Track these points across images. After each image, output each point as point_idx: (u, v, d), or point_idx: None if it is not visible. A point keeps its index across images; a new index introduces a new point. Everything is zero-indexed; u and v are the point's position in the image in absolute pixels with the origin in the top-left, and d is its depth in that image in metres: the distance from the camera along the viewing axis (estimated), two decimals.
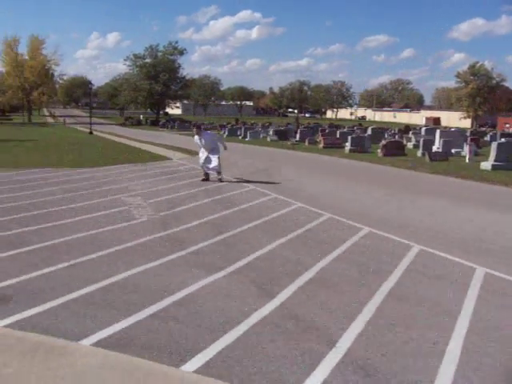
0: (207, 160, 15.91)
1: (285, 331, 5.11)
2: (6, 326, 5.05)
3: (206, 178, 16.10)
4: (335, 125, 64.65)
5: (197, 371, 4.27)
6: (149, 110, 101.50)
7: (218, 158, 15.89)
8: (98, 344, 4.71)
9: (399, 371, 4.39)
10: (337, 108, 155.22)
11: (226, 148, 16.76)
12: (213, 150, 15.95)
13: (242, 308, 5.67)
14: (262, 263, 7.41)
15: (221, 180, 15.88)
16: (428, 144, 27.94)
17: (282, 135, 42.61)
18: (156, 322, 5.25)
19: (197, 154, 26.11)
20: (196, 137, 16.33)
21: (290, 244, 8.56)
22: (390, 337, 5.05)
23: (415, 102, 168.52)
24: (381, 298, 6.12)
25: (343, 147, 31.55)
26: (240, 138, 44.22)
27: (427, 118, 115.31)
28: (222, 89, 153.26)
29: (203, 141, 16.02)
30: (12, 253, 7.64)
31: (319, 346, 4.82)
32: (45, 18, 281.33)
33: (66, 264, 7.12)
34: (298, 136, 40.96)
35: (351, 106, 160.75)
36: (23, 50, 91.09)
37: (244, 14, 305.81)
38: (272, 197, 13.22)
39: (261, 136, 44.72)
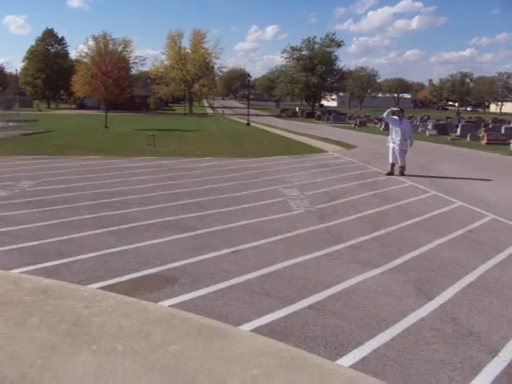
0: (394, 155, 16.01)
1: (443, 335, 4.95)
2: (171, 306, 5.43)
3: (391, 173, 16.06)
4: (500, 120, 60.82)
5: (352, 367, 4.29)
6: (304, 101, 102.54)
7: (406, 152, 16.07)
8: (256, 330, 4.90)
9: None
10: (502, 101, 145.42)
11: (411, 144, 16.50)
12: (405, 140, 15.95)
13: (400, 307, 5.59)
14: (421, 262, 7.23)
15: (402, 173, 15.97)
16: None
17: (442, 130, 41.02)
18: (313, 314, 5.35)
19: (353, 147, 26.23)
20: (395, 118, 16.27)
21: (449, 244, 8.25)
22: None
23: None
24: None
25: (508, 144, 29.65)
26: None
27: None
28: (378, 81, 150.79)
29: (401, 126, 15.97)
30: (178, 236, 8.18)
31: (480, 353, 4.62)
32: (207, 12, 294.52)
33: (227, 250, 7.49)
34: (458, 131, 39.12)
35: None
36: (186, 43, 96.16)
37: (404, 4, 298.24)
38: (431, 194, 12.81)
39: (419, 130, 43.42)
